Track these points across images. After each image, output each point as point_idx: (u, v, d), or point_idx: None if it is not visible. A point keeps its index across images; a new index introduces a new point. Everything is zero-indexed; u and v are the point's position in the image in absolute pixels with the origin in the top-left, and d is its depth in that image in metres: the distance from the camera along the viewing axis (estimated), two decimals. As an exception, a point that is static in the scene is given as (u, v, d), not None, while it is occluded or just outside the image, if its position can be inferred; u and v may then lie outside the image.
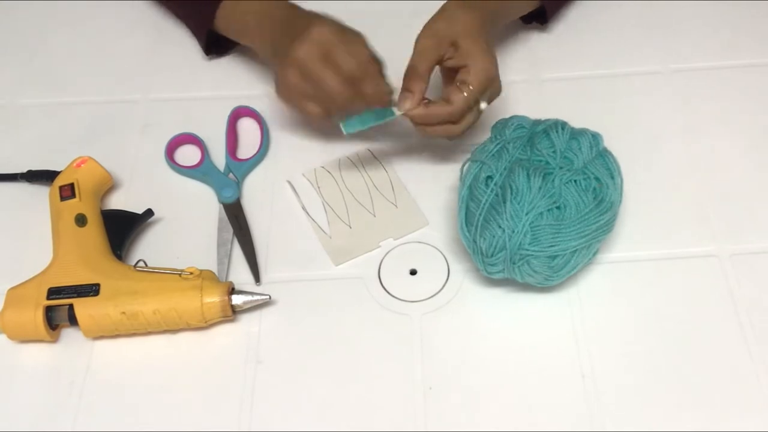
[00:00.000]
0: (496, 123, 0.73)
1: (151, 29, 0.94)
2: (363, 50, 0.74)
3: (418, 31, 0.74)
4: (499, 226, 0.65)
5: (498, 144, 0.70)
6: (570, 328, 0.69)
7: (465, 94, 0.72)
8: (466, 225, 0.68)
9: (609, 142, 0.79)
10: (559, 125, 0.71)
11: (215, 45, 0.89)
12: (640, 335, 0.69)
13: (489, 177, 0.68)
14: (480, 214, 0.67)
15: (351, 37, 0.74)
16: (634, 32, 0.90)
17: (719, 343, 0.68)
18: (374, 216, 0.77)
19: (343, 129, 0.74)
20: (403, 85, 0.74)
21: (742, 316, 0.69)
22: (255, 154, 0.82)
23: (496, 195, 0.66)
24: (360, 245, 0.75)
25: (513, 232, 0.65)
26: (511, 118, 0.73)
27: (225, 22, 0.84)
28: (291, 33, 0.74)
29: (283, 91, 0.76)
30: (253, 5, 0.80)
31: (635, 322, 0.69)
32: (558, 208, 0.66)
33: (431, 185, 0.79)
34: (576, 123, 0.80)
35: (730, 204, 0.76)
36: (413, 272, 0.74)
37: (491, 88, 0.74)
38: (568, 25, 0.91)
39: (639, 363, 0.67)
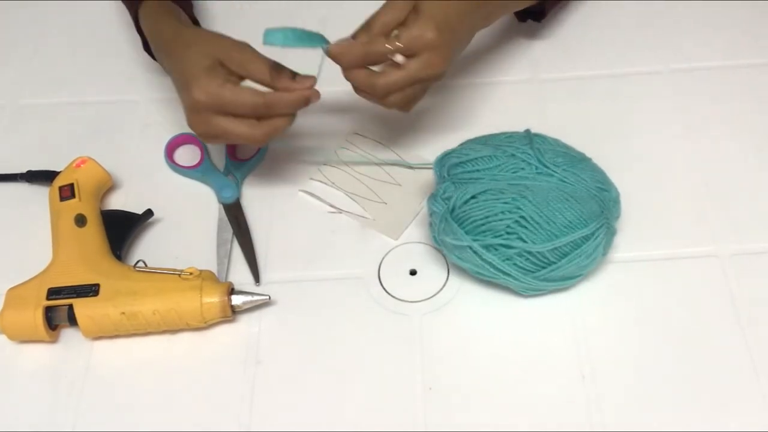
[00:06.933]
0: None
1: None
2: (255, 68, 0.68)
3: None
4: None
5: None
6: (570, 328, 0.69)
7: (388, 43, 0.67)
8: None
9: (609, 142, 0.79)
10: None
11: None
12: (640, 335, 0.69)
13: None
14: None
15: (232, 68, 0.68)
16: (634, 32, 0.90)
17: (719, 343, 0.68)
18: (400, 185, 0.78)
19: (263, 39, 0.68)
20: (352, 34, 0.69)
21: (742, 316, 0.69)
22: (255, 155, 0.82)
23: None
24: (406, 212, 0.76)
25: None
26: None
27: (143, 26, 0.78)
28: (175, 73, 0.71)
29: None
30: (153, 13, 0.76)
31: (635, 322, 0.69)
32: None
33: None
34: (576, 123, 0.80)
35: (730, 204, 0.76)
36: (413, 272, 0.74)
37: (422, 56, 0.68)
38: (567, 25, 0.91)
39: (639, 363, 0.67)
